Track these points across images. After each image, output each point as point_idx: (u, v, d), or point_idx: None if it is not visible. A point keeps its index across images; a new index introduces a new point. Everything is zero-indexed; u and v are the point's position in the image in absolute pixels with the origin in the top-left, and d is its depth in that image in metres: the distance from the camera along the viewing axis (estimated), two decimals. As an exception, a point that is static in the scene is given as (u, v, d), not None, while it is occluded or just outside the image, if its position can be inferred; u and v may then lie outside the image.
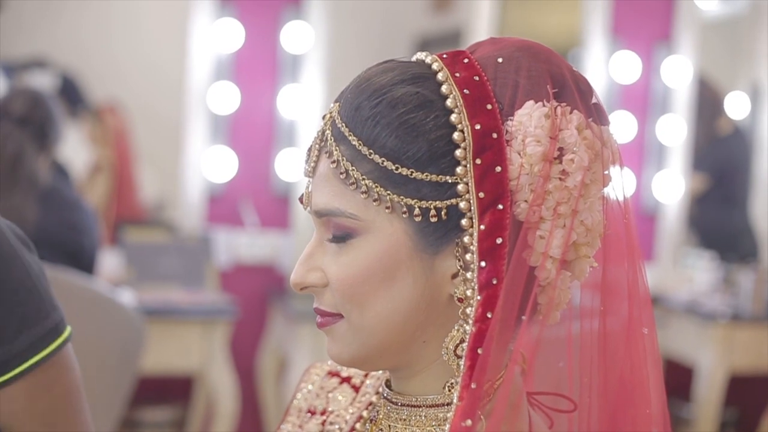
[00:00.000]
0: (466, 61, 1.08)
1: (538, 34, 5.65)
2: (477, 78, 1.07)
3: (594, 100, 1.10)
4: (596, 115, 1.09)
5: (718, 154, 5.82)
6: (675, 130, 5.57)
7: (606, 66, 5.43)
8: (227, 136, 4.87)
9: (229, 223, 4.89)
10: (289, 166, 4.92)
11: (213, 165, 4.85)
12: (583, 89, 1.09)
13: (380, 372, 1.27)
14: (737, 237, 5.82)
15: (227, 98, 4.83)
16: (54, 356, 1.41)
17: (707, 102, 5.77)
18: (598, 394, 1.12)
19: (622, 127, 5.41)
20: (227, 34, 4.82)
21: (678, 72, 5.54)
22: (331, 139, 1.08)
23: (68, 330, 1.44)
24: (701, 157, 5.75)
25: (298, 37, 4.91)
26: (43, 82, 5.13)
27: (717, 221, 5.81)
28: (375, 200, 1.05)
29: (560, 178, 1.04)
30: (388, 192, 1.05)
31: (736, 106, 6.07)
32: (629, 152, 5.35)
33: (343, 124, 1.08)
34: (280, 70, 4.93)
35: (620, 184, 1.11)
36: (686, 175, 5.62)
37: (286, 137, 4.93)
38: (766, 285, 4.93)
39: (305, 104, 4.90)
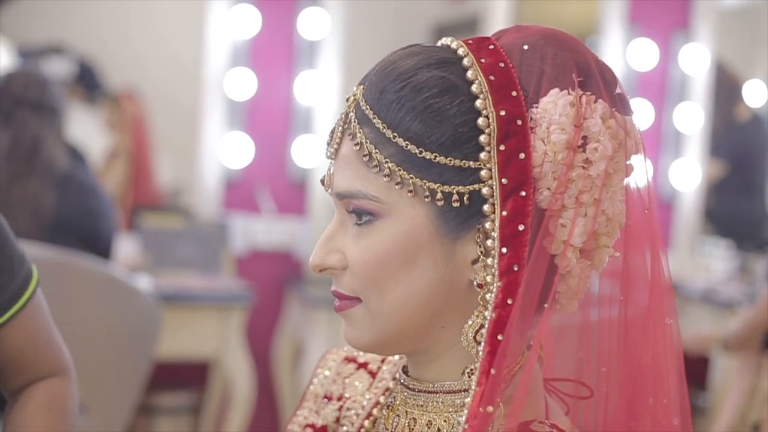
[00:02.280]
0: (491, 47, 1.08)
1: (556, 22, 5.62)
2: (502, 64, 1.07)
3: (618, 90, 1.09)
4: (620, 105, 1.09)
5: (736, 140, 5.80)
6: (692, 118, 5.55)
7: (623, 54, 5.42)
8: (244, 123, 4.87)
9: (245, 209, 4.89)
10: (306, 153, 4.92)
11: (230, 151, 4.85)
12: (608, 79, 1.09)
13: (397, 357, 1.27)
14: (754, 225, 5.79)
15: (244, 84, 4.84)
16: (36, 292, 1.59)
17: (725, 88, 5.75)
18: (616, 383, 1.12)
19: (639, 114, 5.38)
20: (244, 21, 4.82)
21: (696, 60, 5.52)
22: (354, 122, 1.08)
23: (36, 270, 1.62)
24: (719, 144, 5.73)
25: (315, 23, 4.91)
26: (60, 68, 5.14)
27: (734, 210, 5.80)
28: (398, 183, 1.05)
29: (583, 167, 1.04)
30: (411, 176, 1.05)
31: (753, 94, 6.04)
32: (646, 140, 5.31)
33: (368, 107, 1.07)
34: (296, 57, 4.93)
35: (643, 173, 1.10)
36: (703, 163, 5.60)
37: (302, 123, 4.94)
38: (783, 274, 4.91)
39: (322, 90, 4.90)
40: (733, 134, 5.82)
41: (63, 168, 3.24)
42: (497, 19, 5.19)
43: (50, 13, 6.19)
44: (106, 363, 3.13)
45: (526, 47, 1.08)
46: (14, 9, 5.60)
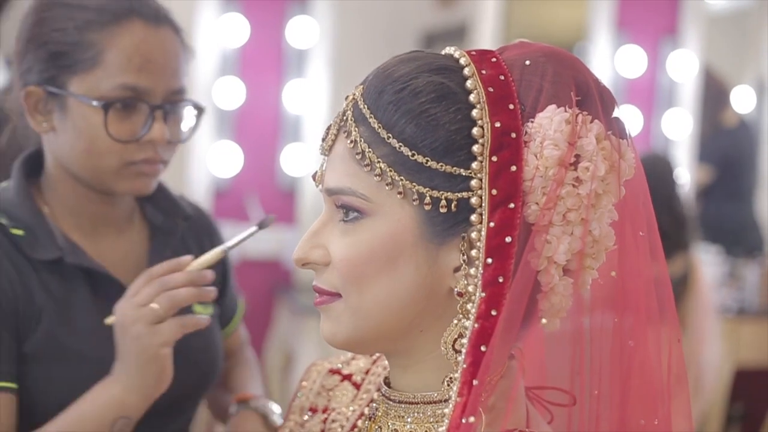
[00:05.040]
0: (493, 60, 1.09)
1: (544, 29, 5.64)
2: (502, 77, 1.07)
3: (615, 114, 1.10)
4: (616, 127, 1.09)
5: (724, 146, 5.82)
6: (681, 124, 5.56)
7: (612, 60, 5.43)
8: (233, 131, 4.87)
9: (234, 218, 4.89)
10: (295, 161, 4.92)
11: (219, 160, 4.85)
12: (606, 101, 1.10)
13: (381, 369, 1.28)
14: (743, 231, 5.81)
15: (233, 93, 4.83)
16: None
17: (713, 93, 5.76)
18: (608, 405, 1.12)
19: (628, 121, 5.39)
20: (233, 29, 4.82)
21: (684, 66, 5.54)
22: (351, 120, 1.09)
23: None
24: (706, 149, 5.74)
25: (304, 31, 4.91)
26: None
27: (723, 215, 5.81)
28: (388, 184, 1.06)
29: (573, 185, 1.05)
30: (402, 177, 1.05)
31: (741, 100, 6.06)
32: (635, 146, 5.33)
33: (365, 107, 1.08)
34: (285, 65, 4.93)
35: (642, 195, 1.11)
36: (692, 170, 5.61)
37: (291, 132, 4.93)
38: (772, 279, 4.93)
39: (310, 99, 4.90)
40: (720, 140, 5.84)
41: None
42: (486, 27, 5.19)
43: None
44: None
45: (527, 62, 1.09)
46: (1, 18, 5.59)
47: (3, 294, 1.53)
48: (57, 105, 1.58)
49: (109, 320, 1.48)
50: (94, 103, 1.54)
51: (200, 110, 1.69)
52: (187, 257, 1.52)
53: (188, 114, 1.69)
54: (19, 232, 1.56)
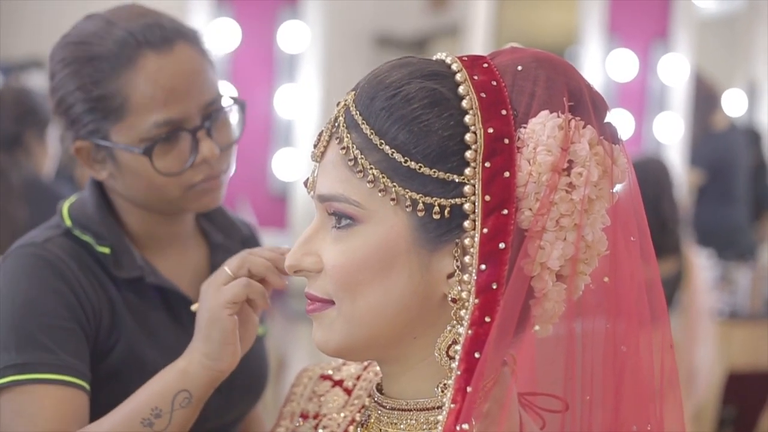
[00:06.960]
0: (485, 65, 1.09)
1: (535, 32, 5.65)
2: (495, 83, 1.07)
3: (607, 119, 1.10)
4: (608, 133, 1.09)
5: (714, 149, 5.82)
6: (672, 128, 5.57)
7: (603, 64, 5.44)
8: (224, 136, 4.86)
9: (226, 223, 4.88)
10: (286, 166, 4.91)
11: (210, 165, 4.84)
12: (599, 106, 1.09)
13: (372, 375, 1.28)
14: (735, 234, 5.81)
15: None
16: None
17: (703, 97, 5.77)
18: (600, 411, 1.11)
19: (619, 125, 5.40)
20: (224, 34, 4.81)
21: (675, 70, 5.55)
22: (343, 126, 1.08)
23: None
24: (697, 153, 5.75)
25: (295, 36, 4.91)
26: (41, 82, 5.12)
27: (714, 218, 5.82)
28: (381, 191, 1.05)
29: (566, 191, 1.04)
30: (395, 184, 1.05)
31: (733, 104, 6.07)
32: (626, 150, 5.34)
33: (357, 113, 1.08)
34: (276, 70, 4.93)
35: (635, 200, 1.11)
36: (684, 173, 5.62)
37: (282, 137, 4.93)
38: (764, 282, 4.94)
39: (302, 104, 4.90)
40: (711, 143, 5.85)
41: (25, 177, 3.29)
42: (477, 31, 5.19)
43: (31, 26, 6.18)
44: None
45: (519, 68, 1.08)
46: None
47: (89, 306, 1.52)
48: (107, 154, 1.58)
49: (195, 306, 1.45)
50: (135, 150, 1.54)
51: (241, 105, 1.67)
52: (287, 247, 1.51)
53: (233, 111, 1.68)
54: (105, 250, 1.57)
